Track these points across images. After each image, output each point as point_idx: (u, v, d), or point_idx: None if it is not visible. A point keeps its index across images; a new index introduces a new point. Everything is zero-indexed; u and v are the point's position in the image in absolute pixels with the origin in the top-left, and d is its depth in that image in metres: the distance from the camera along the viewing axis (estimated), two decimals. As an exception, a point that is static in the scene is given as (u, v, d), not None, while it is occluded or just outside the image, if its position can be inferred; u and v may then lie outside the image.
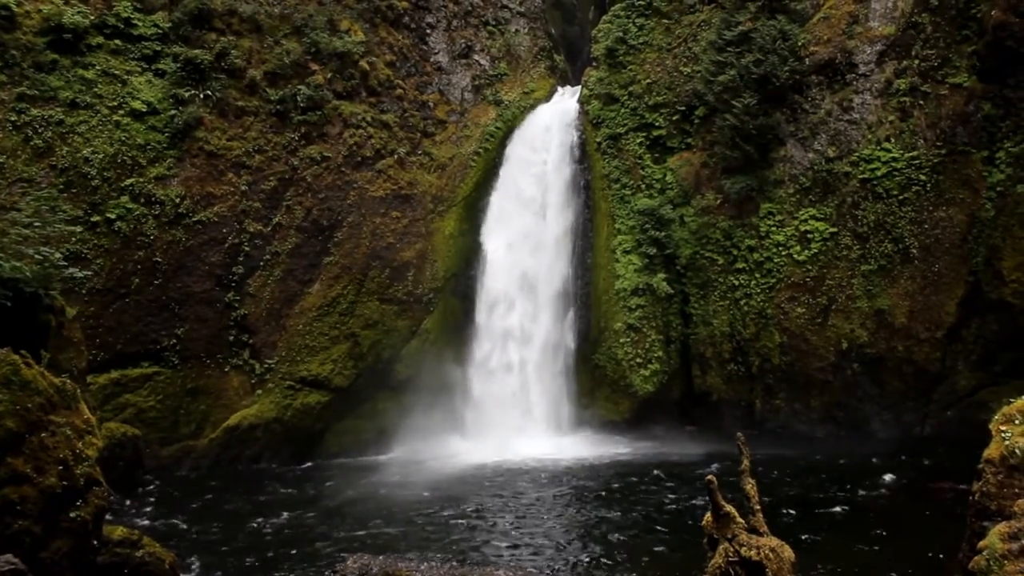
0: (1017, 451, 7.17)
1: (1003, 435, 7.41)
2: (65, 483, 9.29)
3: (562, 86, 31.00)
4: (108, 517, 11.56)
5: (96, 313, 21.50)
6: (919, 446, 21.31)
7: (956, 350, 21.98)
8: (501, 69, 30.01)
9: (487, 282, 26.69)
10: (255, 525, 16.80)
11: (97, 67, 22.59)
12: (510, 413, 25.34)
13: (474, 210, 27.50)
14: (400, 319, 25.61)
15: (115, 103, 22.60)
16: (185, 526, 16.67)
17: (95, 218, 21.73)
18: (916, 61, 22.89)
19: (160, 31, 23.76)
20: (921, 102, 22.67)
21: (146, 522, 16.88)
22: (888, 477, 18.16)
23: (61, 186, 21.22)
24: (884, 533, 14.34)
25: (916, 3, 22.97)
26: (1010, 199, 20.74)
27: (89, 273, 21.14)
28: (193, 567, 13.95)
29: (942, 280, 22.01)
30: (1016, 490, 7.09)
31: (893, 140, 22.90)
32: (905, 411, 22.57)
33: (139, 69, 23.35)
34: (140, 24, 23.49)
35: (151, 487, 20.29)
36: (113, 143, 22.29)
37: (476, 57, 29.68)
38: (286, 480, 21.62)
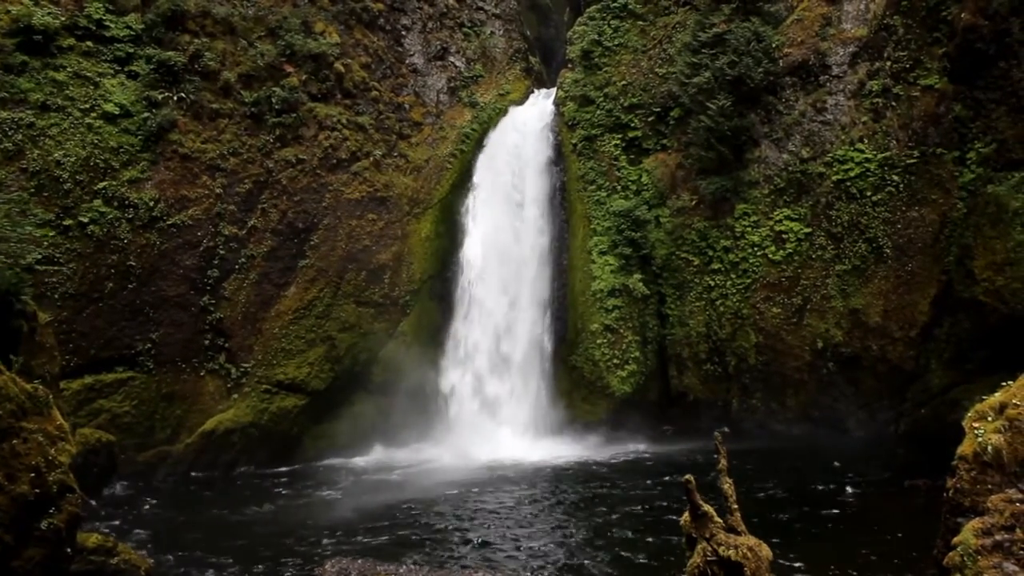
0: (990, 448, 7.24)
1: (976, 432, 7.48)
2: (37, 490, 9.17)
3: (538, 88, 31.04)
4: (85, 524, 11.46)
5: (69, 318, 21.23)
6: (894, 444, 21.51)
7: (929, 349, 22.17)
8: (476, 71, 30.00)
9: (463, 284, 26.68)
10: (232, 530, 16.68)
11: (68, 69, 22.31)
12: (488, 415, 25.33)
13: (450, 212, 27.47)
14: (377, 322, 25.53)
15: (87, 105, 22.34)
16: (161, 532, 16.51)
17: (67, 222, 21.46)
18: (888, 63, 23.10)
19: (133, 33, 23.50)
20: (893, 103, 22.88)
21: (122, 528, 16.70)
22: (863, 475, 18.29)
23: (32, 189, 20.90)
24: (860, 530, 14.45)
25: (888, 5, 23.19)
26: (981, 199, 20.96)
27: (62, 270, 20.91)
28: (169, 573, 13.82)
29: (915, 279, 22.21)
30: (989, 486, 7.16)
31: (866, 141, 23.10)
32: (880, 409, 22.75)
33: (111, 71, 23.08)
34: (112, 26, 23.22)
35: (127, 493, 20.11)
36: (85, 146, 22.04)
37: (451, 59, 29.65)
38: (263, 484, 21.48)
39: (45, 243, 20.81)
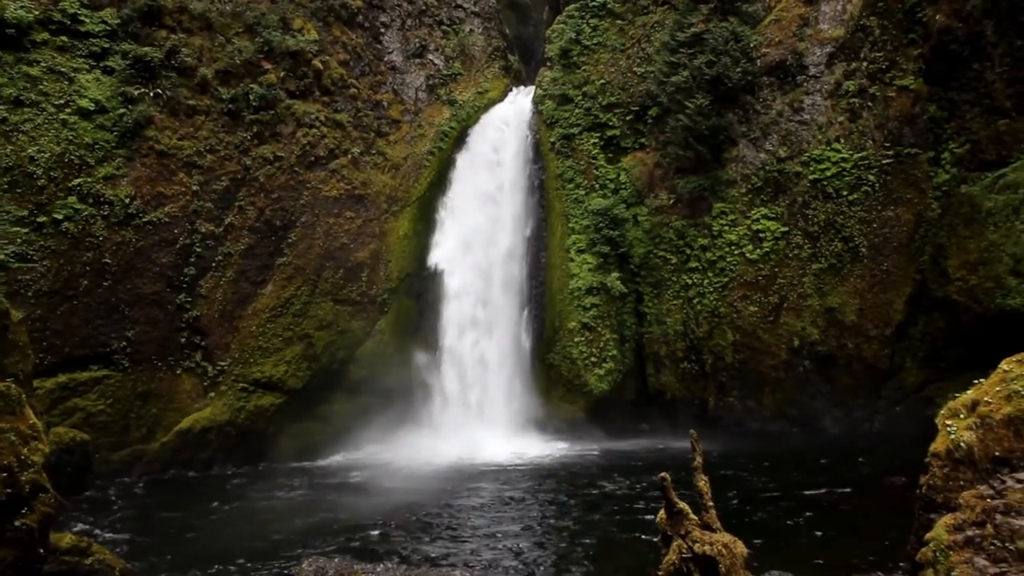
0: (962, 445, 7.31)
1: (949, 429, 7.55)
2: (9, 490, 9.06)
3: (516, 86, 31.05)
4: (59, 525, 11.33)
5: (43, 316, 21.02)
6: (869, 441, 21.66)
7: (904, 347, 22.39)
8: (455, 69, 29.96)
9: (441, 282, 26.63)
10: (208, 529, 16.57)
11: (42, 64, 22.08)
12: (466, 414, 25.31)
13: (428, 210, 27.43)
14: (354, 320, 25.45)
15: (62, 101, 22.12)
16: (136, 531, 16.38)
17: (41, 218, 21.23)
18: (865, 63, 23.29)
19: (108, 28, 23.28)
20: (870, 103, 23.07)
21: (97, 527, 16.55)
22: (839, 472, 18.42)
23: (5, 186, 20.69)
24: (835, 527, 14.54)
25: (864, 6, 23.37)
26: (955, 199, 21.17)
27: (36, 267, 20.73)
28: (144, 573, 13.72)
29: (890, 278, 22.41)
30: (961, 483, 7.23)
31: (843, 140, 23.27)
32: (855, 407, 22.95)
33: (87, 66, 22.87)
34: (87, 20, 23.00)
35: (101, 492, 19.93)
36: (60, 142, 21.82)
37: (430, 56, 29.60)
38: (240, 484, 21.36)
39: (18, 240, 20.62)
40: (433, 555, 14.03)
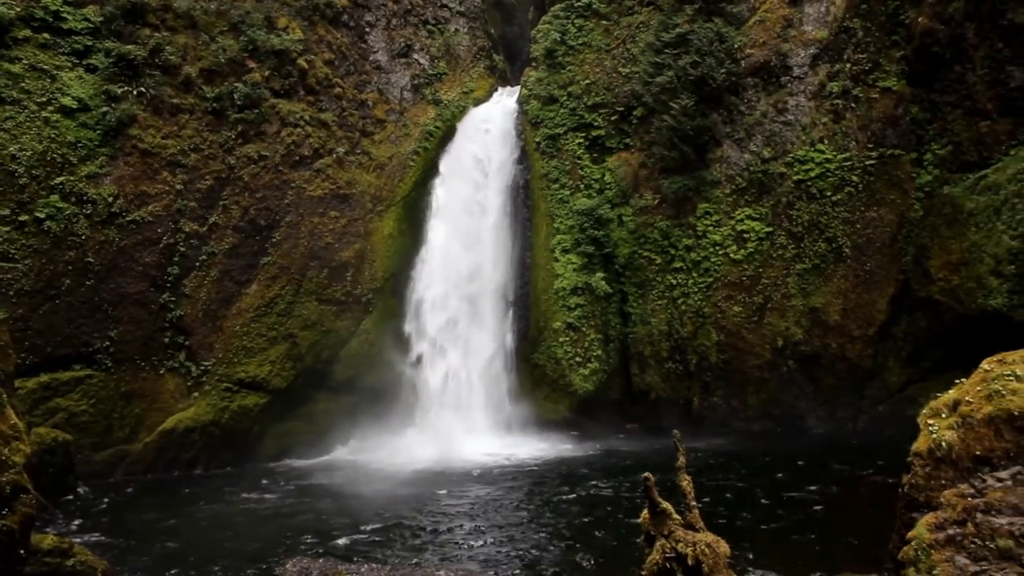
0: (944, 444, 7.37)
1: (931, 429, 7.61)
2: (-10, 490, 9.01)
3: (501, 86, 31.09)
4: (40, 525, 11.24)
5: (25, 315, 20.87)
6: (852, 441, 21.78)
7: (887, 347, 22.52)
8: (440, 68, 29.93)
9: (426, 282, 26.60)
10: (191, 530, 16.49)
11: (24, 61, 21.90)
12: (451, 414, 25.25)
13: (413, 210, 27.39)
14: (339, 320, 25.38)
15: (44, 99, 21.95)
16: (119, 532, 16.28)
17: (23, 217, 21.07)
18: (848, 65, 23.41)
19: (91, 25, 23.13)
20: (853, 105, 23.20)
21: (79, 528, 16.45)
22: (823, 471, 18.51)
23: (-13, 184, 20.56)
24: (818, 525, 14.61)
25: (848, 8, 23.50)
26: (937, 200, 21.32)
27: (18, 266, 20.58)
28: (127, 575, 13.64)
29: (874, 279, 22.54)
30: (943, 482, 7.29)
31: (826, 141, 23.39)
32: (839, 407, 23.06)
33: (69, 64, 22.71)
34: (70, 18, 22.84)
35: (84, 493, 19.79)
36: (42, 140, 21.66)
37: (415, 56, 29.56)
38: (223, 484, 21.25)
39: (0, 239, 20.45)
40: (417, 555, 14.01)
